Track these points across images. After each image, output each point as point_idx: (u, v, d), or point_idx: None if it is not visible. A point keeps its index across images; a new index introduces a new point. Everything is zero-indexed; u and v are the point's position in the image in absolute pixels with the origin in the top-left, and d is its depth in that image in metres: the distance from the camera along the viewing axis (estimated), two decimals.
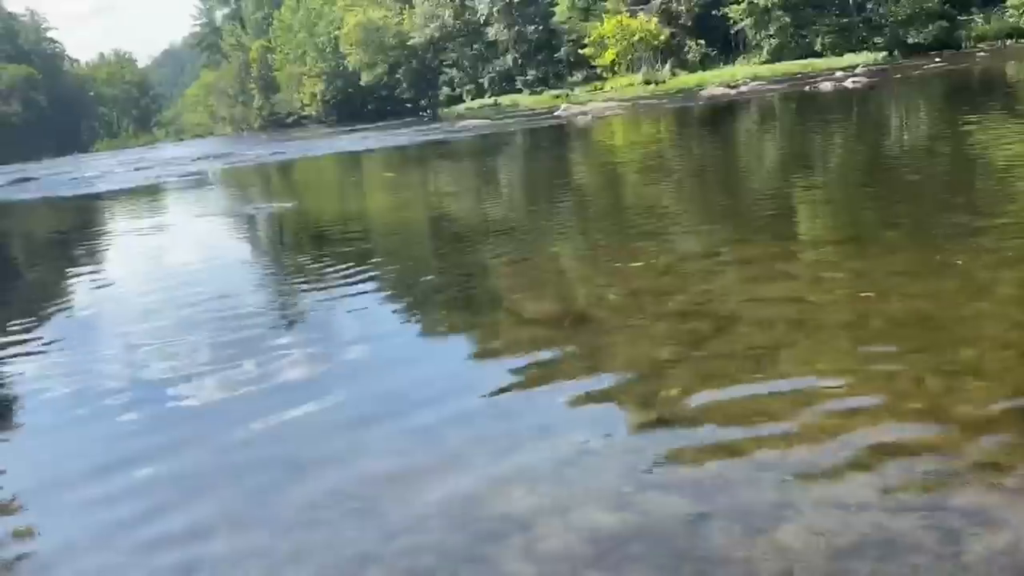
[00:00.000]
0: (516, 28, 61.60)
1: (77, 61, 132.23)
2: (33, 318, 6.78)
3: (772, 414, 3.13)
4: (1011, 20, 37.70)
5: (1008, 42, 37.21)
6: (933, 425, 2.91)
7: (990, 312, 3.96)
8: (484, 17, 63.53)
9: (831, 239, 6.14)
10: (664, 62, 50.77)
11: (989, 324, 3.79)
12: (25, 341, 5.97)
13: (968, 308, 4.06)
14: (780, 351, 3.77)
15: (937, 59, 34.08)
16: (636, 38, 50.56)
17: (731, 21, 46.98)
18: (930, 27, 39.57)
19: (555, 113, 33.64)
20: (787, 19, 43.80)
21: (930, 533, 2.29)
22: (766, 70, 42.10)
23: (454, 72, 69.00)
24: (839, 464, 2.71)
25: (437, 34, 67.55)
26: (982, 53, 34.77)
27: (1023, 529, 2.27)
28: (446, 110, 63.58)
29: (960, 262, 4.81)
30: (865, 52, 40.47)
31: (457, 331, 4.94)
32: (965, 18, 40.02)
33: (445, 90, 70.20)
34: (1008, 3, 37.41)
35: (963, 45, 38.96)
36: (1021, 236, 5.27)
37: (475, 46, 66.14)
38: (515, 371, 3.99)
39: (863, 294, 4.42)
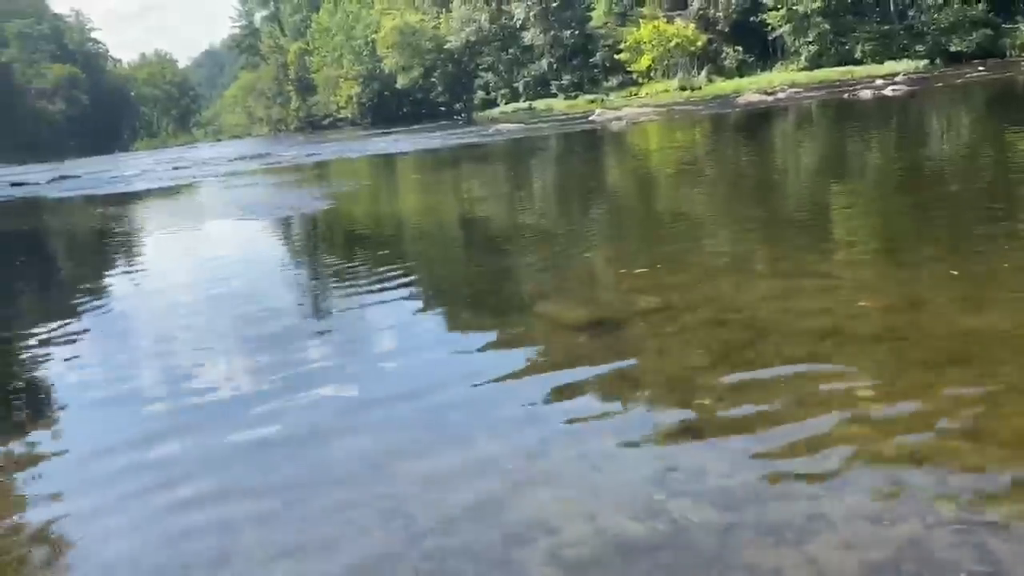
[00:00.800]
0: (552, 33, 61.61)
1: (119, 61, 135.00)
2: (73, 308, 6.95)
3: (805, 425, 3.10)
4: None
5: None
6: (971, 441, 2.85)
7: None
8: (520, 21, 63.66)
9: (867, 249, 6.05)
10: (700, 68, 50.48)
11: None
12: (66, 328, 6.19)
13: (1009, 322, 3.97)
14: (814, 362, 3.72)
15: (980, 67, 33.44)
16: (672, 44, 50.34)
17: (769, 27, 46.54)
18: (973, 35, 38.87)
19: (589, 118, 33.58)
20: (827, 26, 43.29)
21: (967, 551, 2.25)
22: (804, 77, 41.66)
23: (489, 76, 69.19)
24: (873, 477, 2.67)
25: (473, 38, 67.83)
26: None
27: None
28: (480, 114, 63.79)
29: (1000, 275, 4.72)
30: (906, 60, 39.85)
31: (488, 335, 4.94)
32: (1010, 26, 39.20)
33: (480, 94, 70.42)
34: None
35: (1007, 54, 38.18)
36: None
37: (511, 50, 66.28)
38: (545, 376, 3.99)
39: (899, 305, 4.35)
